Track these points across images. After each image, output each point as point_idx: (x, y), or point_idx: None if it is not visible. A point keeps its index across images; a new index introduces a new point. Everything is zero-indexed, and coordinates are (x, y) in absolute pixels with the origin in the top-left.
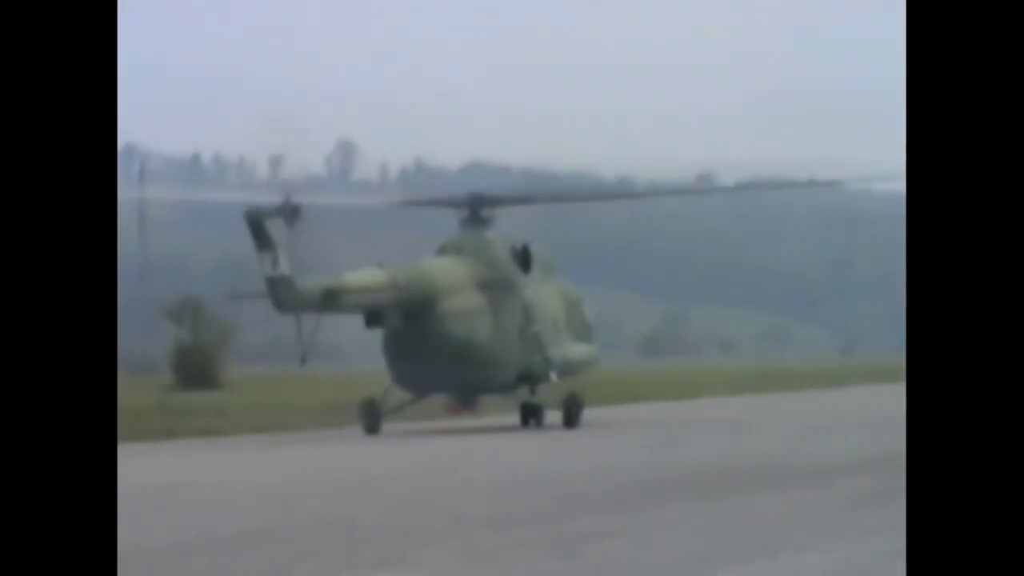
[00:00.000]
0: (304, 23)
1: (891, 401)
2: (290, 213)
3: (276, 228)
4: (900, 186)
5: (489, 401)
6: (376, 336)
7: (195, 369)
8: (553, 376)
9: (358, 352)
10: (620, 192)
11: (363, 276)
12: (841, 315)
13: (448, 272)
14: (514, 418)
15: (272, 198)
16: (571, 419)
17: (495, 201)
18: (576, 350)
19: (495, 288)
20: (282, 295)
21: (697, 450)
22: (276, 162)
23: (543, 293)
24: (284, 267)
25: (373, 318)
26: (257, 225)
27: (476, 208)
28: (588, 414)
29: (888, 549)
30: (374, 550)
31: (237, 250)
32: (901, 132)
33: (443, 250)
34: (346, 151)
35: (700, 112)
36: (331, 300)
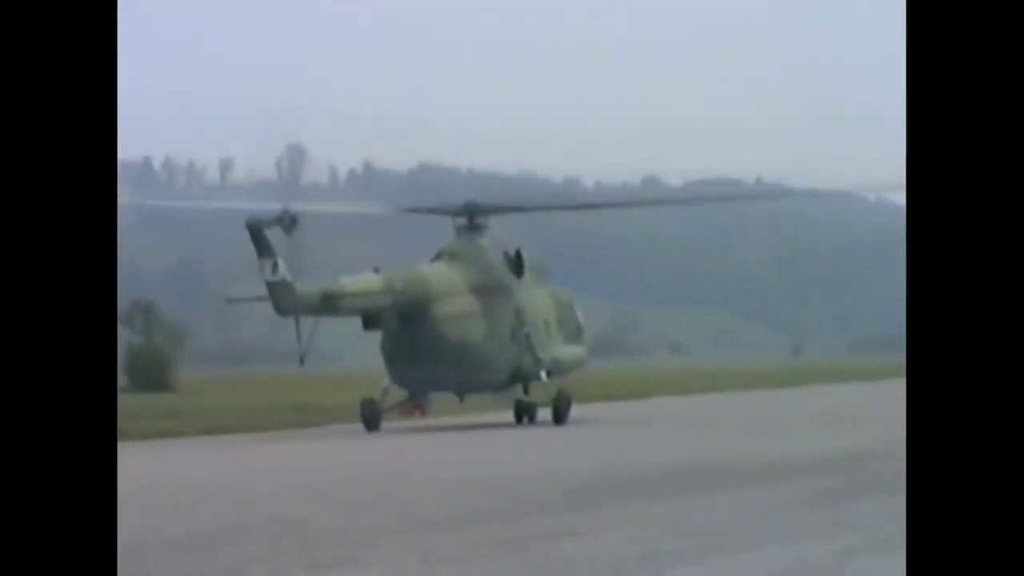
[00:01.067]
0: (255, 29)
1: (842, 401)
2: (288, 221)
3: (275, 236)
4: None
5: (473, 399)
6: (331, 340)
7: (148, 371)
8: (543, 376)
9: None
10: (607, 201)
11: (360, 281)
12: (790, 316)
13: (443, 277)
14: (494, 416)
15: (224, 203)
16: (559, 416)
17: (490, 209)
18: (566, 351)
19: (488, 292)
20: (282, 299)
21: (661, 449)
22: (225, 166)
23: (535, 296)
24: (284, 272)
25: (370, 321)
26: (257, 233)
27: (471, 216)
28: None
29: (838, 547)
30: (328, 550)
31: (188, 254)
32: (853, 140)
33: (439, 256)
34: (295, 155)
35: (644, 117)
36: (329, 304)
